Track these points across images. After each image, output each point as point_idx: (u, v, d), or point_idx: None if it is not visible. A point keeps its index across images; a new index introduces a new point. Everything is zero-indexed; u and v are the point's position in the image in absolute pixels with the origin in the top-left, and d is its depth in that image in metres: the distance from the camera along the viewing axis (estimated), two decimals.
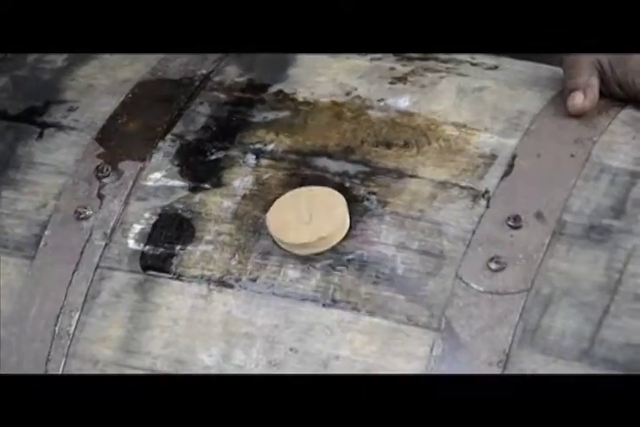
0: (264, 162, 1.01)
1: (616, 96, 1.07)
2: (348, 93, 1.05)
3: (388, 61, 1.13)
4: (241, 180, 0.99)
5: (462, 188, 0.95)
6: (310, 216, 0.95)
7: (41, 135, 1.06)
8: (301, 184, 0.98)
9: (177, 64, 1.14)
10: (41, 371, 1.01)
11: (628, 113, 1.02)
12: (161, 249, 0.97)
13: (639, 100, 1.07)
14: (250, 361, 0.95)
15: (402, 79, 1.06)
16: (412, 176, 0.96)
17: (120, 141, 1.04)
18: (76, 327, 0.97)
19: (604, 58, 1.09)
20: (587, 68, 1.07)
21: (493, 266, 0.89)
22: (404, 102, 1.03)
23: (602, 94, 1.05)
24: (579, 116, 1.02)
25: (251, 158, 1.02)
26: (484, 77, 1.08)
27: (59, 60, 1.16)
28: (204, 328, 0.95)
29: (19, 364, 0.99)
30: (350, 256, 0.94)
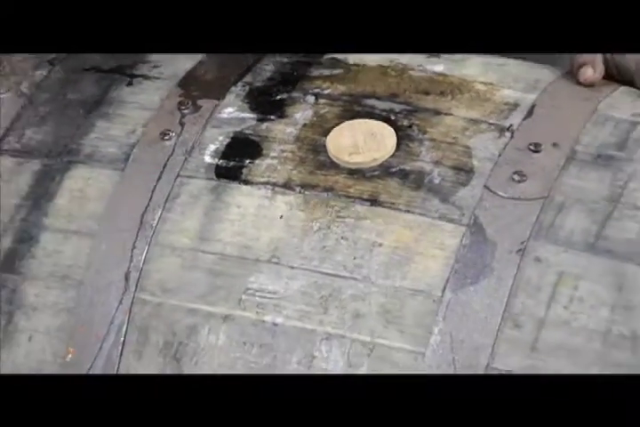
0: (321, 101, 1.08)
1: (614, 79, 1.14)
2: (391, 61, 1.13)
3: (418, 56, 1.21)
4: (302, 113, 1.07)
5: (490, 124, 1.03)
6: (364, 141, 1.03)
7: (130, 83, 1.13)
8: (354, 118, 1.06)
9: None
10: (127, 258, 1.04)
11: (625, 88, 1.11)
12: (232, 162, 1.04)
13: (633, 84, 1.14)
14: (305, 247, 1.01)
15: (436, 55, 1.14)
16: (447, 114, 1.05)
17: (198, 86, 1.12)
18: (158, 221, 1.03)
19: None
20: None
21: (516, 177, 0.97)
22: (439, 67, 1.12)
23: (603, 77, 1.13)
24: (589, 86, 1.10)
25: (310, 98, 1.09)
26: (506, 60, 1.16)
27: None
28: (267, 222, 1.01)
29: (107, 251, 1.04)
30: (394, 169, 1.02)
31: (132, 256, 1.04)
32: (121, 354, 1.04)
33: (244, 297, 1.02)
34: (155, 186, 1.06)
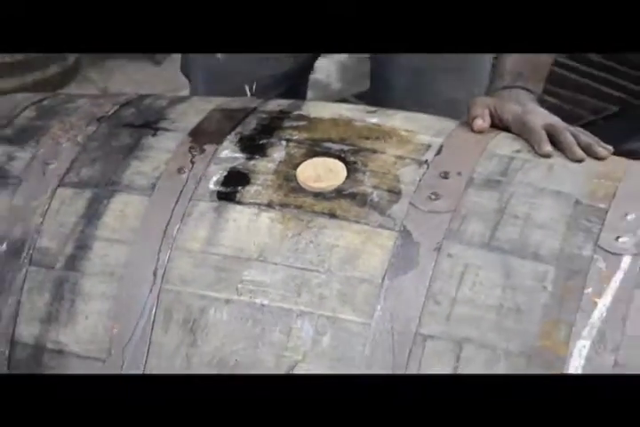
0: (291, 144, 1.04)
1: (496, 127, 1.10)
2: (340, 115, 1.08)
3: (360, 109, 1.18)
4: (278, 153, 1.02)
5: (412, 159, 0.99)
6: (324, 172, 1.00)
7: (155, 134, 1.08)
8: (315, 156, 1.02)
9: (237, 102, 1.17)
10: (155, 259, 0.99)
11: (505, 133, 1.06)
12: (229, 189, 0.99)
13: (510, 130, 1.09)
14: (283, 249, 0.98)
15: (372, 112, 1.10)
16: (381, 153, 1.00)
17: (204, 136, 1.07)
18: (177, 232, 0.98)
19: (491, 101, 1.13)
20: (482, 106, 1.11)
21: (432, 197, 0.94)
22: (374, 119, 1.07)
23: (491, 125, 1.09)
24: (480, 132, 1.06)
25: (283, 143, 1.05)
26: (421, 115, 1.12)
27: (164, 101, 1.18)
28: (256, 231, 0.96)
29: (140, 254, 0.99)
30: (346, 192, 0.98)
31: (158, 258, 1.01)
32: (152, 328, 1.00)
33: (239, 286, 0.98)
34: (174, 207, 1.03)
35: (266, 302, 0.96)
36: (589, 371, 0.89)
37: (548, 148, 1.05)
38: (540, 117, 1.12)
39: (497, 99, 1.15)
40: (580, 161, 1.04)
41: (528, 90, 1.17)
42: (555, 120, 1.12)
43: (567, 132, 1.09)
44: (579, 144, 1.07)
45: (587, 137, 1.10)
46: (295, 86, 1.55)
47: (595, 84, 2.95)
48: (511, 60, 1.19)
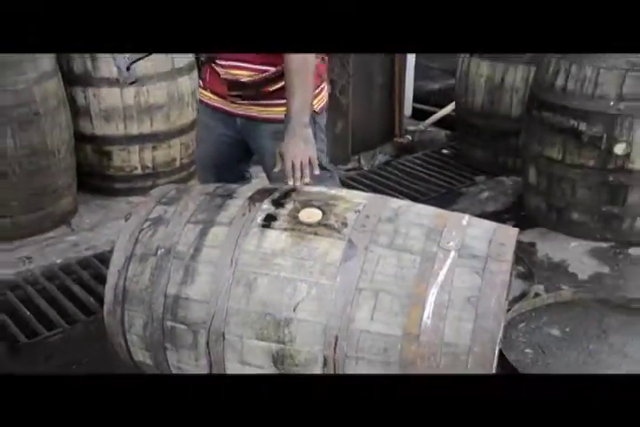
0: (296, 202, 1.49)
1: None
2: (319, 190, 1.55)
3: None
4: (289, 206, 1.46)
5: (352, 209, 1.46)
6: (312, 215, 1.45)
7: (231, 198, 1.55)
8: (307, 208, 1.47)
9: (265, 187, 1.58)
10: (229, 257, 1.40)
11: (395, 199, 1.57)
12: (266, 222, 1.45)
13: None
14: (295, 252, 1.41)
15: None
16: (337, 206, 1.47)
17: (254, 199, 1.50)
18: (242, 241, 1.44)
19: None
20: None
21: (363, 226, 1.43)
22: (333, 192, 1.54)
23: None
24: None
25: (292, 201, 1.51)
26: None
27: (234, 186, 1.59)
28: (279, 241, 1.42)
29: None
30: (322, 223, 1.44)
31: (233, 254, 1.44)
32: (230, 288, 1.44)
33: (272, 266, 1.45)
34: (240, 230, 1.46)
35: (283, 273, 1.39)
36: (439, 305, 1.28)
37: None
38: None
39: None
40: None
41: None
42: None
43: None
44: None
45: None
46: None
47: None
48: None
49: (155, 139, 2.78)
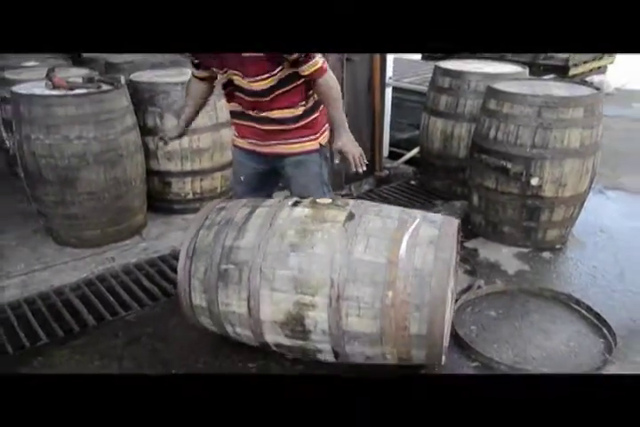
0: (312, 205, 1.84)
1: None
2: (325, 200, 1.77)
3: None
4: (305, 204, 1.79)
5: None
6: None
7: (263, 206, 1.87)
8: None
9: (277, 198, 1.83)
10: (267, 224, 1.60)
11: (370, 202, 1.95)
12: (296, 204, 1.76)
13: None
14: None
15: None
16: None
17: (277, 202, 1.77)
18: (275, 219, 1.69)
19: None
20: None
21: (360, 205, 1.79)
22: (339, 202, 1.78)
23: None
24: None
25: (308, 204, 1.86)
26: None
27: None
28: (301, 216, 1.70)
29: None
30: (332, 204, 1.76)
31: (271, 224, 1.72)
32: (264, 257, 1.67)
33: (287, 237, 1.64)
34: (275, 212, 1.73)
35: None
36: (411, 244, 1.49)
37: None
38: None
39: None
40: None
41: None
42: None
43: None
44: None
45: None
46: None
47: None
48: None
49: (202, 173, 3.15)
